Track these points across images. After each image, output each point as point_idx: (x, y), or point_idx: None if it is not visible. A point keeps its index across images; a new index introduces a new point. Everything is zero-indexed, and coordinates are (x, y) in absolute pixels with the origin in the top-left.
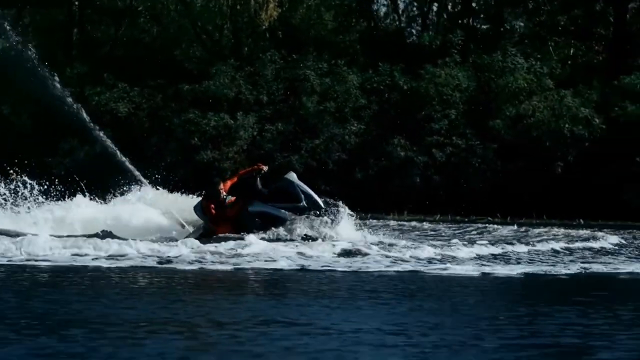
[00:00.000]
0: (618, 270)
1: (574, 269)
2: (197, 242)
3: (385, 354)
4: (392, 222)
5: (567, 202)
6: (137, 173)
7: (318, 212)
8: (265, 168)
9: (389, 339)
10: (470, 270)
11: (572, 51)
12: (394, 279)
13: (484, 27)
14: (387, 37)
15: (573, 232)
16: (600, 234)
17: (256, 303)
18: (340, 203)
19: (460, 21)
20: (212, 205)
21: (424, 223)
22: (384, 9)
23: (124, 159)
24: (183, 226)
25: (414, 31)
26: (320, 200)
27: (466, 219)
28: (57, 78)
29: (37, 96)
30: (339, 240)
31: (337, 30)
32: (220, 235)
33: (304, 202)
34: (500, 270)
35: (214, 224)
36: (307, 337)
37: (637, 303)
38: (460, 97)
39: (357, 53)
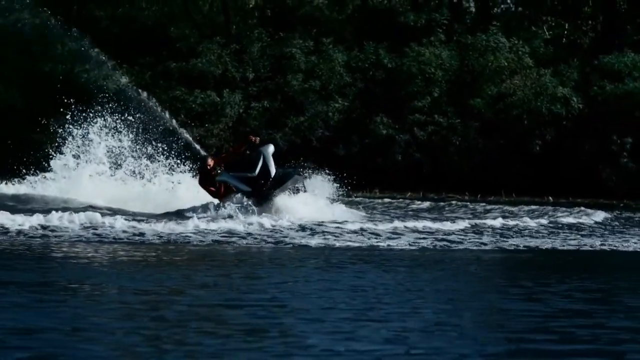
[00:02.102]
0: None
1: (469, 244)
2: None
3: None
4: (357, 200)
5: (545, 181)
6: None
7: (262, 182)
8: (255, 139)
9: (128, 298)
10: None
11: (565, 31)
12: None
13: (472, 6)
14: (376, 16)
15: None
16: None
17: (75, 269)
18: (299, 178)
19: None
20: (206, 180)
21: (392, 200)
22: None
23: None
24: None
25: (401, 9)
26: (272, 173)
27: (436, 197)
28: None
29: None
30: (281, 213)
31: (327, 8)
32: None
33: (255, 173)
34: (383, 243)
35: (214, 197)
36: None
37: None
38: (443, 76)
39: (345, 31)
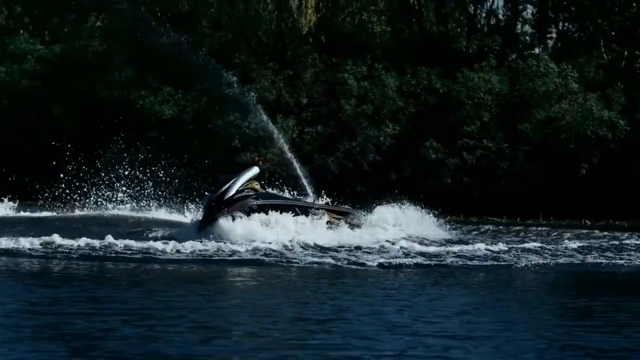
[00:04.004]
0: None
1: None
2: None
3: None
4: None
5: (590, 204)
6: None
7: (213, 204)
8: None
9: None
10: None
11: (625, 55)
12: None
13: (526, 33)
14: (430, 41)
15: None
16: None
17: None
18: (249, 202)
19: (502, 26)
20: None
21: None
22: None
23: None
24: None
25: (455, 36)
26: (227, 197)
27: (475, 220)
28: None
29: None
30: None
31: (382, 35)
32: None
33: (215, 194)
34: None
35: None
36: None
37: None
38: (493, 101)
39: (399, 57)
